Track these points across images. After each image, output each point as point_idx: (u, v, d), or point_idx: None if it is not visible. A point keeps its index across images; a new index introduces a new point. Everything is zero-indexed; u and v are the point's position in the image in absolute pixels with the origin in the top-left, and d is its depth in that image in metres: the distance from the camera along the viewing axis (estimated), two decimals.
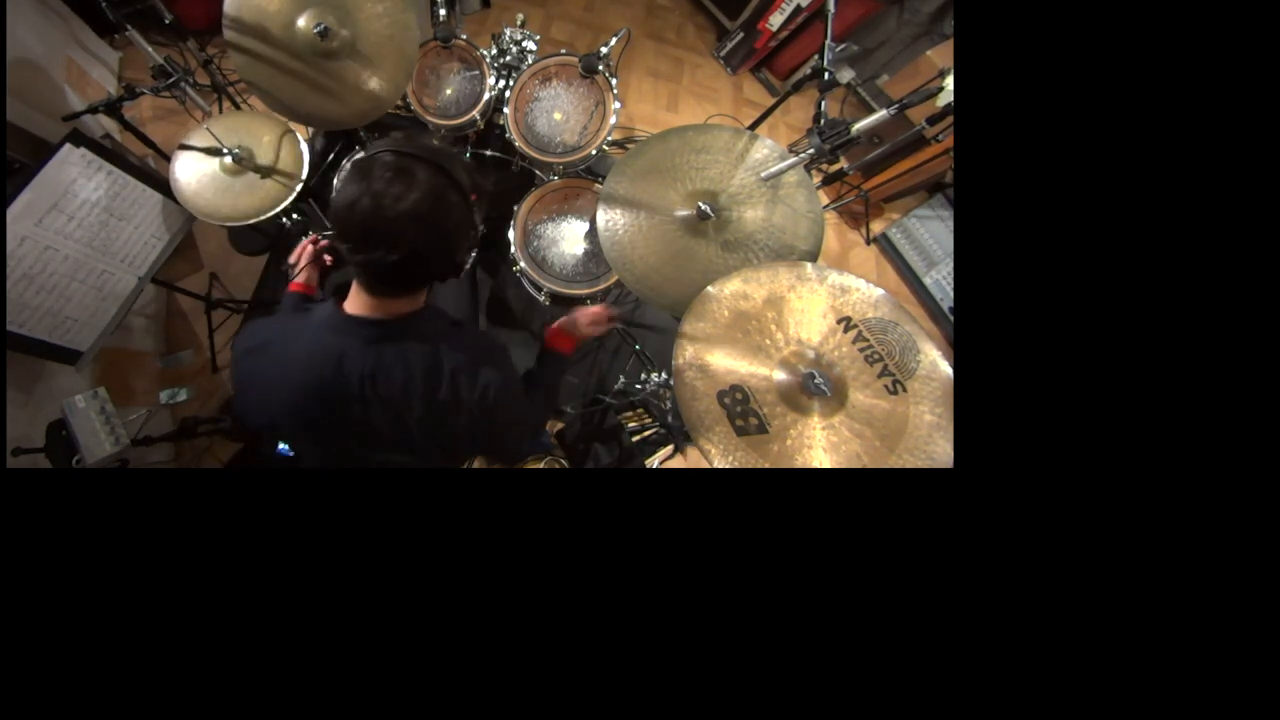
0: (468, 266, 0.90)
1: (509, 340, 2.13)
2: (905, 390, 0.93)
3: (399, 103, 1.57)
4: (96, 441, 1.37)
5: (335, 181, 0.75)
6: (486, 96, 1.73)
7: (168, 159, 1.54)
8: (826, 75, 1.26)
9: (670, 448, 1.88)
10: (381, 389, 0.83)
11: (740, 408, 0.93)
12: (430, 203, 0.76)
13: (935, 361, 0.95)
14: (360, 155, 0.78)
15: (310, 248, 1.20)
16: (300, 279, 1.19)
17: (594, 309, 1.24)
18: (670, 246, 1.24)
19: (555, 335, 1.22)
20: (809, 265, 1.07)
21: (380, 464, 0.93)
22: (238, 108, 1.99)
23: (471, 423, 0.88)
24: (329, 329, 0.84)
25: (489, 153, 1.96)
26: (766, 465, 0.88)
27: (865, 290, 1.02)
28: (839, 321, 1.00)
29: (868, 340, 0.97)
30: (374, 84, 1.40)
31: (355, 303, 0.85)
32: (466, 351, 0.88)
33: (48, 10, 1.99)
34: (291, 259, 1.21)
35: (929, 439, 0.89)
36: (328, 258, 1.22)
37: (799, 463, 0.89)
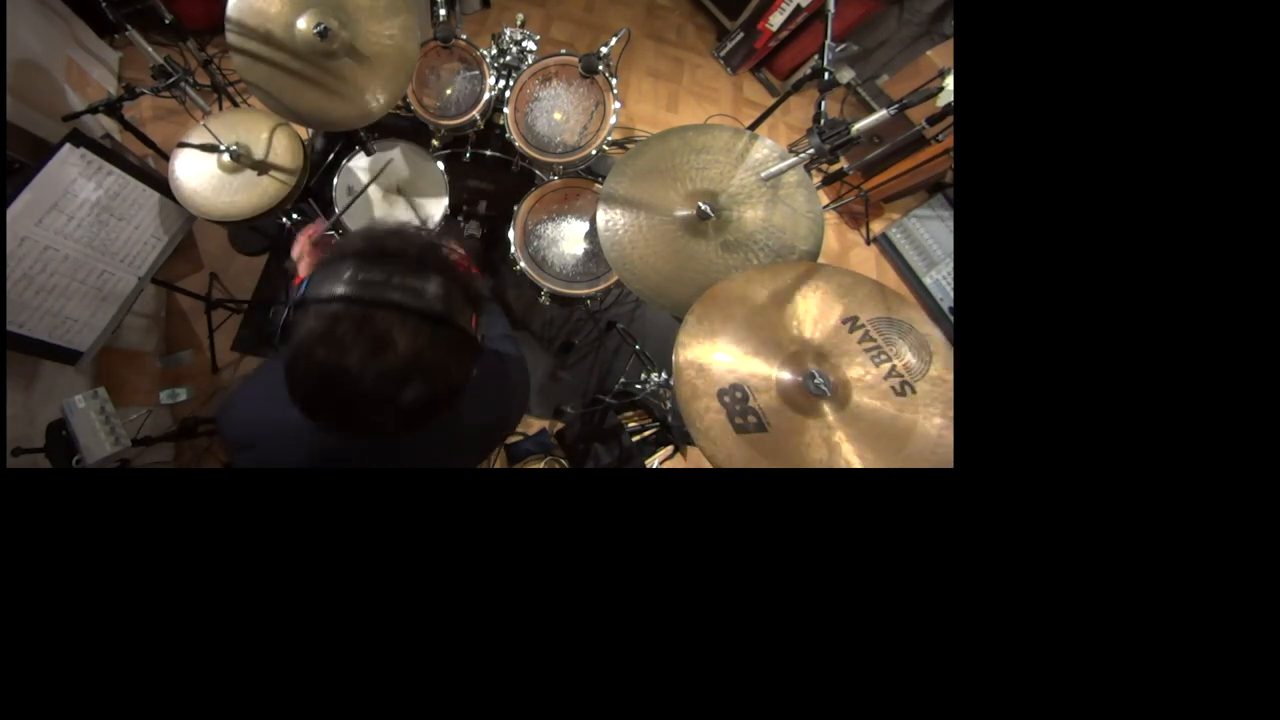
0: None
1: None
2: (914, 391, 0.92)
3: (399, 103, 1.57)
4: (96, 441, 1.37)
5: (292, 321, 0.62)
6: (486, 96, 1.73)
7: (167, 159, 1.54)
8: (826, 75, 1.26)
9: (670, 448, 1.88)
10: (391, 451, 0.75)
11: (740, 406, 0.93)
12: (426, 386, 0.59)
13: (947, 363, 0.94)
14: (318, 296, 0.59)
15: (308, 238, 1.18)
16: (304, 272, 1.17)
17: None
18: (670, 246, 1.24)
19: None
20: (812, 264, 1.07)
21: None
22: (237, 107, 1.99)
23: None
24: (319, 446, 0.72)
25: (489, 153, 1.96)
26: (765, 464, 0.88)
27: (872, 289, 1.02)
28: (844, 320, 1.00)
29: (875, 340, 0.97)
30: (374, 86, 1.40)
31: None
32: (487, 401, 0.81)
33: (48, 10, 1.99)
34: (294, 253, 1.19)
35: (938, 440, 0.88)
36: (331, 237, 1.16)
37: (798, 462, 0.89)
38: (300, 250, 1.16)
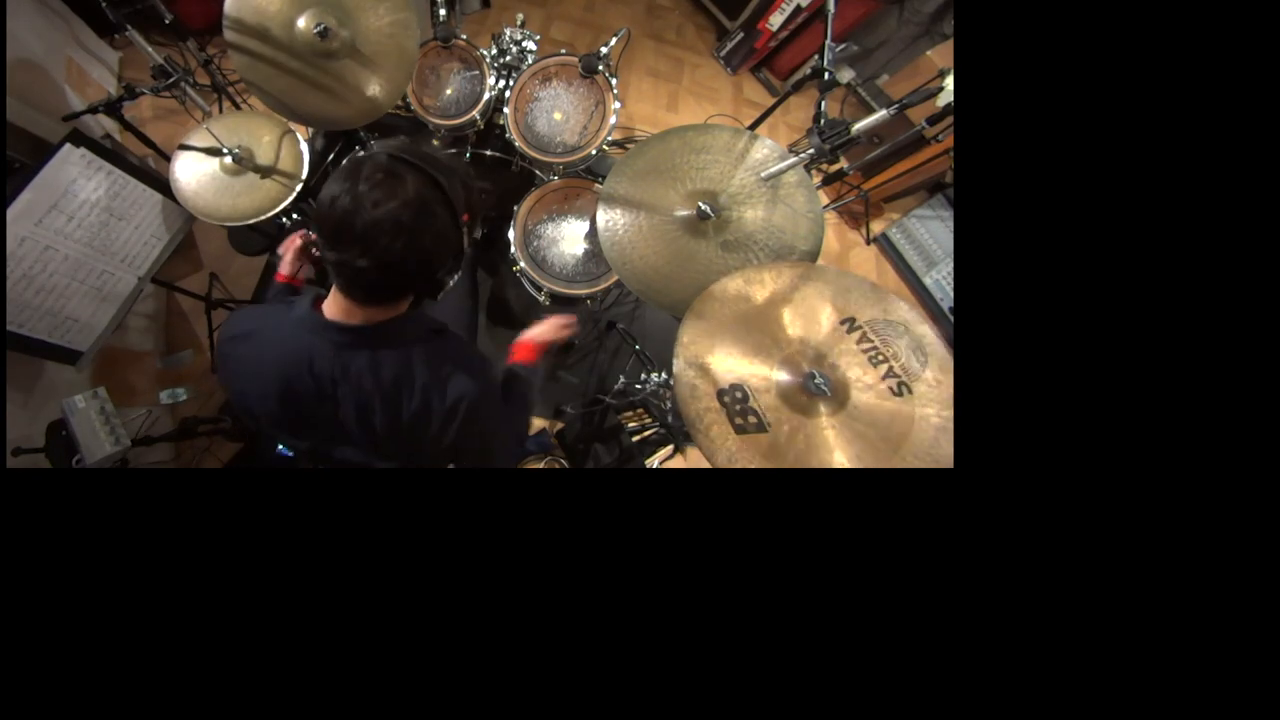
0: (449, 287, 0.87)
1: (508, 340, 2.13)
2: (911, 392, 0.93)
3: (399, 103, 1.58)
4: (96, 441, 1.37)
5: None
6: (486, 96, 1.73)
7: (168, 159, 1.54)
8: (826, 75, 1.26)
9: (670, 448, 1.88)
10: (348, 394, 0.83)
11: (740, 406, 0.93)
12: (411, 213, 0.72)
13: (944, 364, 0.94)
14: (359, 153, 0.77)
15: (299, 241, 1.19)
16: (286, 270, 1.17)
17: (553, 320, 1.25)
18: (670, 246, 1.24)
19: (518, 348, 1.24)
20: (811, 265, 1.07)
21: (346, 462, 0.92)
22: (238, 108, 1.99)
23: (442, 433, 0.87)
24: (304, 327, 0.83)
25: (489, 153, 1.96)
26: (765, 463, 0.88)
27: (869, 290, 1.02)
28: (842, 322, 1.00)
29: (872, 341, 0.97)
30: (374, 86, 1.40)
31: (332, 305, 0.83)
32: (442, 363, 0.86)
33: (48, 10, 1.99)
34: (280, 249, 1.20)
35: (935, 441, 0.89)
36: (315, 251, 1.19)
37: (798, 462, 0.89)
38: (287, 248, 1.16)
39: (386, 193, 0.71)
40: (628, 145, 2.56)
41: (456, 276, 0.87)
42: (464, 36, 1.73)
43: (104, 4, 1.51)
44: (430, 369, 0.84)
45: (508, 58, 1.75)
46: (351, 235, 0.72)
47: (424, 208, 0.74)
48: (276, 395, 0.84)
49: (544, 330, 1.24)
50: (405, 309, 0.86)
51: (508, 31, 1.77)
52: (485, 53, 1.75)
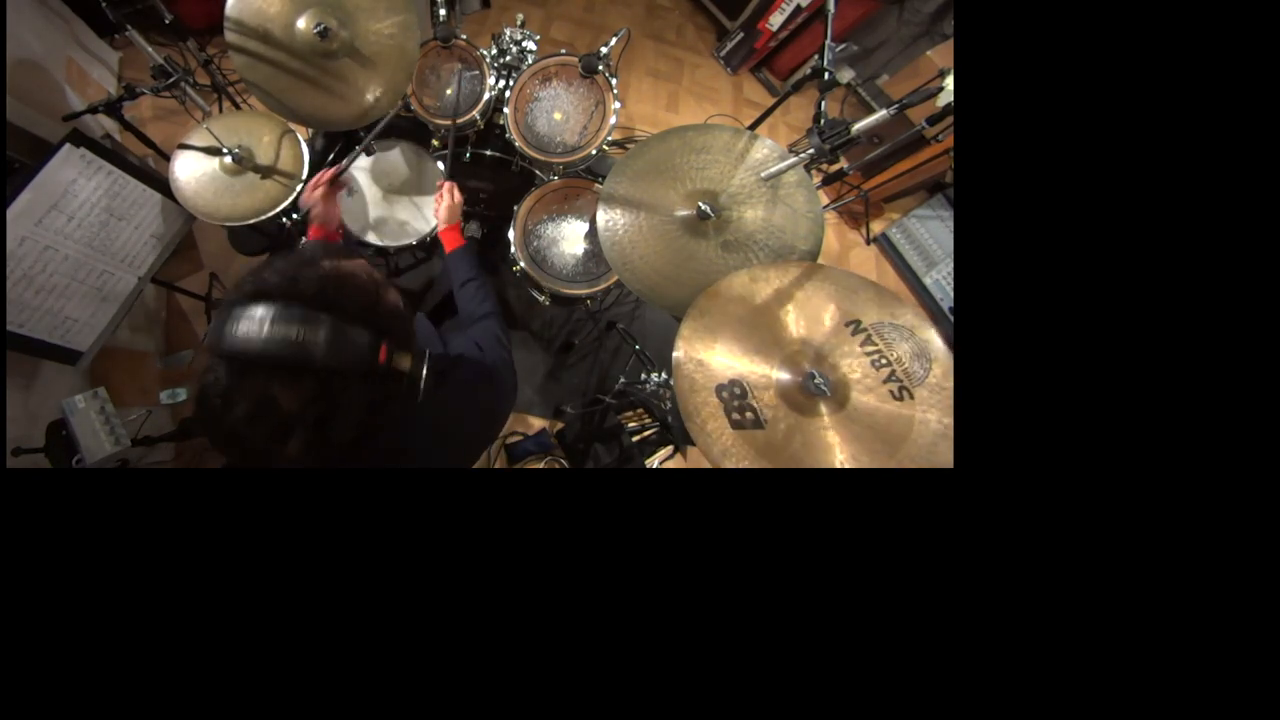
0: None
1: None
2: (912, 397, 0.93)
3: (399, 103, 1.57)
4: (96, 441, 1.37)
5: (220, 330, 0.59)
6: (486, 96, 1.73)
7: (168, 159, 1.54)
8: (826, 75, 1.26)
9: (670, 448, 1.88)
10: None
11: (738, 402, 0.93)
12: (316, 433, 0.58)
13: (948, 371, 0.94)
14: (219, 349, 0.58)
15: (322, 186, 1.20)
16: (316, 221, 1.19)
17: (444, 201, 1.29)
18: (670, 246, 1.24)
19: (444, 238, 1.27)
20: (816, 265, 1.07)
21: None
22: (238, 108, 1.99)
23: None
24: None
25: (489, 153, 1.96)
26: (761, 461, 0.88)
27: (877, 293, 1.02)
28: (847, 324, 1.00)
29: (876, 345, 0.97)
30: (374, 87, 1.40)
31: None
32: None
33: (48, 10, 1.99)
34: (303, 201, 1.20)
35: (933, 447, 0.89)
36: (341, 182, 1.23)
37: (795, 461, 0.89)
38: (311, 198, 1.19)
39: (271, 435, 0.57)
40: (628, 145, 2.56)
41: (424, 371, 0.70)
42: (464, 36, 1.73)
43: (104, 4, 1.51)
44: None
45: (508, 58, 1.75)
46: (257, 457, 0.60)
47: (326, 416, 0.59)
48: None
49: (446, 211, 1.28)
50: None
51: (508, 31, 1.77)
52: (485, 53, 1.75)
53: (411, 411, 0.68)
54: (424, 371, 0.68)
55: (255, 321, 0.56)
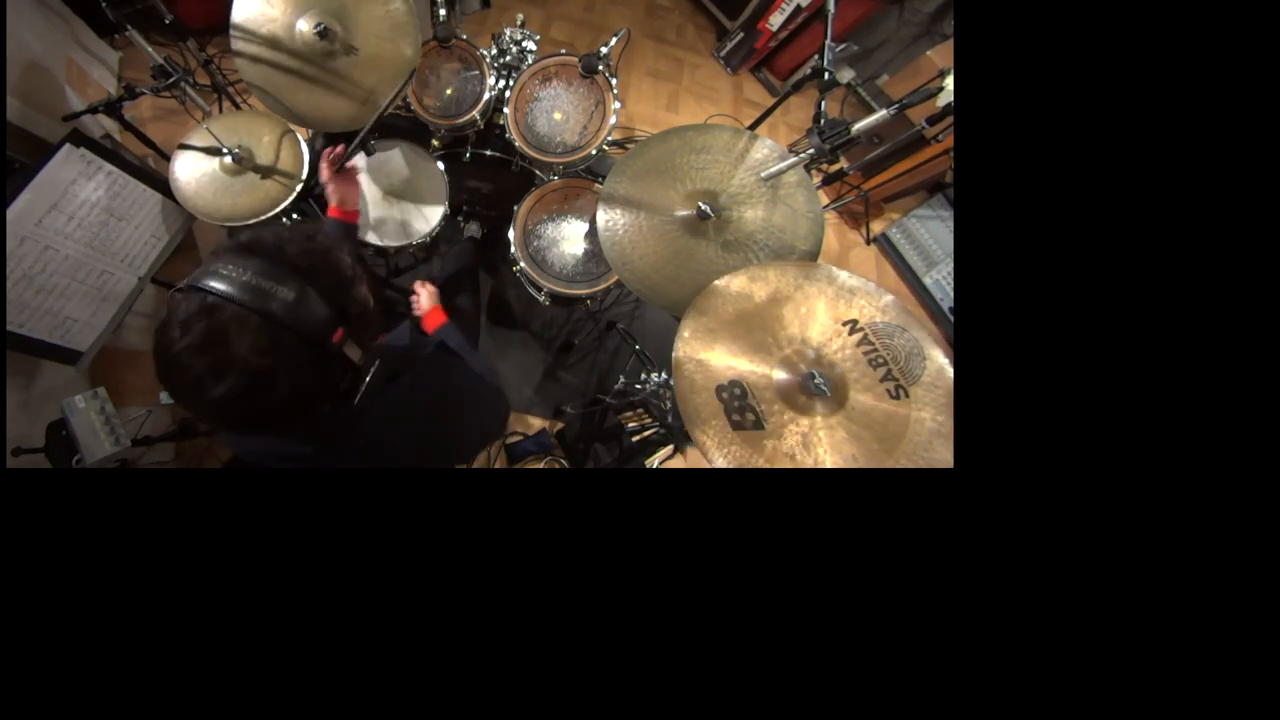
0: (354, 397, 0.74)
1: (508, 340, 2.14)
2: (908, 396, 0.93)
3: (399, 103, 1.57)
4: (96, 441, 1.37)
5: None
6: (486, 96, 1.73)
7: (168, 159, 1.54)
8: (826, 75, 1.26)
9: (670, 448, 1.88)
10: None
11: (738, 403, 0.93)
12: (248, 386, 0.59)
13: (942, 369, 0.95)
14: (184, 284, 0.62)
15: (327, 167, 1.23)
16: (334, 200, 1.23)
17: (425, 290, 1.37)
18: (670, 246, 1.24)
19: (427, 320, 1.31)
20: (815, 265, 1.07)
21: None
22: (238, 107, 1.99)
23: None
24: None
25: (489, 153, 1.96)
26: (761, 461, 0.89)
27: (874, 293, 1.02)
28: (844, 324, 1.00)
29: (873, 344, 0.97)
30: (374, 87, 1.40)
31: None
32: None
33: (48, 10, 1.99)
34: (322, 176, 1.25)
35: (929, 445, 0.89)
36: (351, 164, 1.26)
37: (794, 461, 0.89)
38: (325, 175, 1.24)
39: (210, 365, 0.58)
40: (628, 145, 2.56)
41: (365, 383, 0.73)
42: (464, 36, 1.73)
43: (104, 4, 1.51)
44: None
45: (508, 58, 1.75)
46: (198, 410, 0.63)
47: (263, 373, 0.59)
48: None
49: (427, 300, 1.34)
50: None
51: (508, 31, 1.77)
52: (485, 53, 1.75)
53: (349, 410, 0.72)
54: (372, 370, 0.72)
55: (236, 267, 0.60)
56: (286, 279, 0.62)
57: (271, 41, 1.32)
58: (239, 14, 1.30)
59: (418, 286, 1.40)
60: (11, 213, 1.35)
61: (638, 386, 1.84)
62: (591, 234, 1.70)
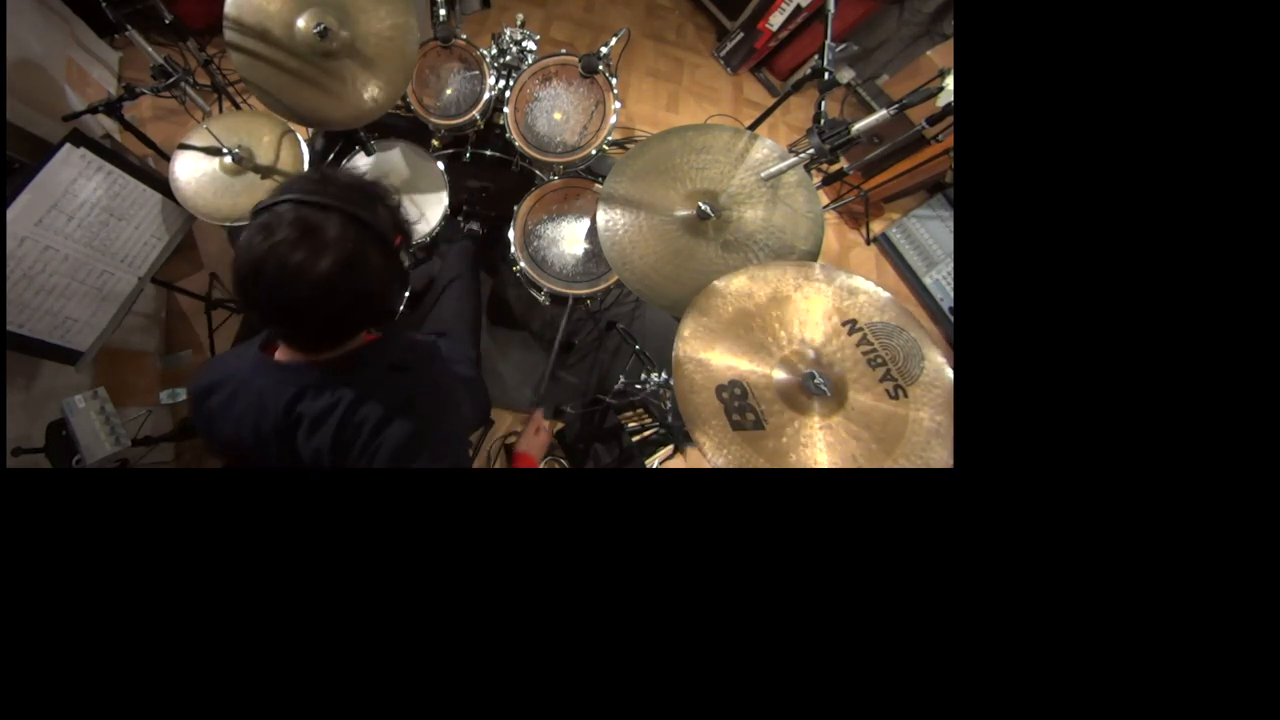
0: (401, 308, 0.82)
1: (508, 340, 2.14)
2: (906, 396, 0.93)
3: (399, 102, 1.57)
4: (96, 441, 1.37)
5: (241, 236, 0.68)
6: (486, 96, 1.73)
7: (168, 159, 1.54)
8: (826, 75, 1.26)
9: (670, 448, 1.88)
10: (304, 440, 0.79)
11: (738, 403, 0.93)
12: (343, 266, 0.67)
13: (940, 368, 0.95)
14: (263, 204, 0.70)
15: (540, 434, 1.29)
16: (525, 450, 1.28)
17: (530, 426, 1.32)
18: (670, 246, 1.24)
19: (519, 460, 1.29)
20: (815, 265, 1.07)
21: None
22: (238, 108, 1.99)
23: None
24: (259, 373, 0.80)
25: (489, 153, 1.96)
26: (762, 461, 0.89)
27: (873, 293, 1.02)
28: (844, 324, 1.00)
29: (872, 344, 0.97)
30: (373, 87, 1.40)
31: (282, 348, 0.81)
32: (387, 404, 0.79)
33: (48, 10, 1.99)
34: (524, 444, 1.29)
35: (927, 444, 0.89)
36: None
37: (794, 461, 0.89)
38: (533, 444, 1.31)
39: (309, 252, 0.65)
40: (628, 145, 2.56)
41: (406, 295, 0.83)
42: (464, 36, 1.73)
43: (104, 4, 1.51)
44: (375, 410, 0.78)
45: (508, 58, 1.75)
46: (287, 306, 0.68)
47: (354, 255, 0.68)
48: (251, 445, 0.82)
49: (535, 447, 1.31)
50: (360, 342, 0.82)
51: (508, 31, 1.77)
52: (485, 53, 1.75)
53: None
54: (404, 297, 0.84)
55: (304, 185, 0.70)
56: (359, 193, 0.73)
57: (268, 37, 1.32)
58: (233, 7, 1.29)
59: (538, 420, 1.33)
60: (11, 213, 1.35)
61: (638, 386, 1.84)
62: (591, 234, 1.70)
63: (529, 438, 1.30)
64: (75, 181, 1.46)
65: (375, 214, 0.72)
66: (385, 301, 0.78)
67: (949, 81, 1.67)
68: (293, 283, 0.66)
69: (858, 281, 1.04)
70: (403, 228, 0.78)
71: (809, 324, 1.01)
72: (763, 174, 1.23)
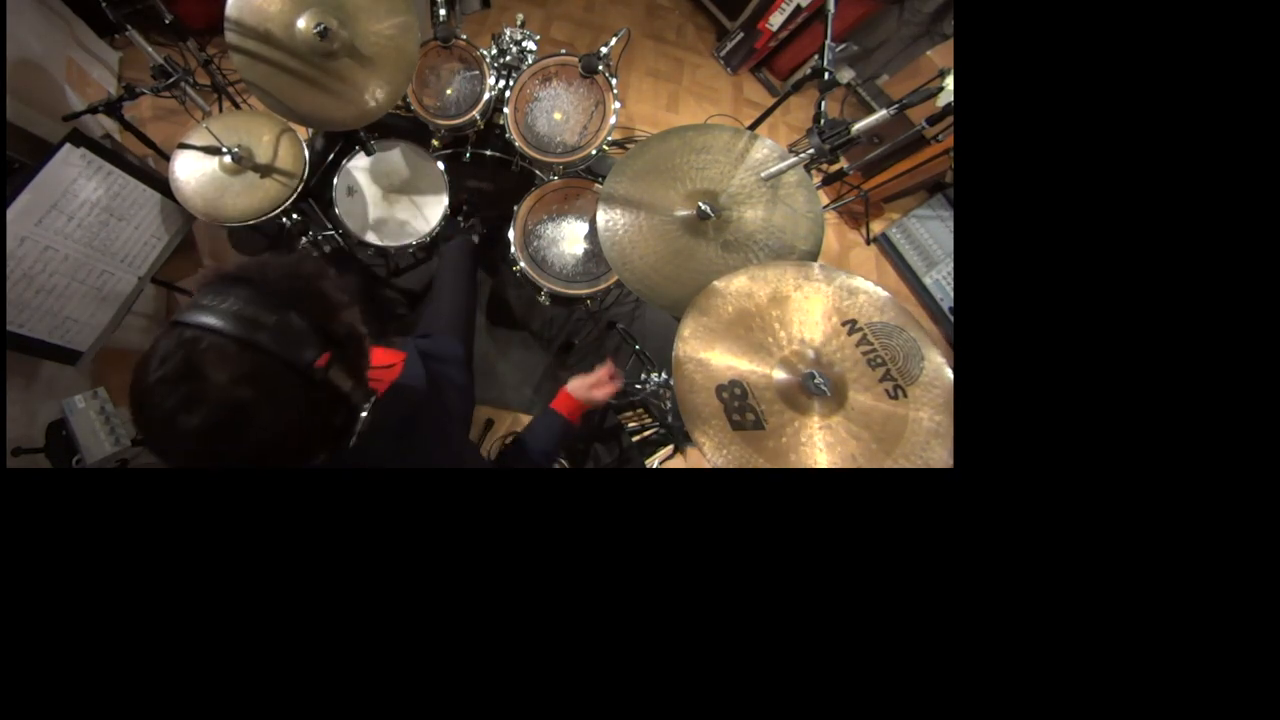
0: (359, 427, 0.70)
1: (508, 340, 2.14)
2: (906, 396, 0.93)
3: (399, 103, 1.57)
4: (96, 441, 1.38)
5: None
6: (486, 96, 1.73)
7: (168, 159, 1.54)
8: (826, 75, 1.26)
9: (670, 448, 1.88)
10: None
11: (738, 403, 0.93)
12: (221, 425, 0.55)
13: (939, 368, 0.95)
14: (181, 310, 0.60)
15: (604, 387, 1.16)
16: (582, 398, 1.16)
17: (599, 374, 1.18)
18: (670, 246, 1.24)
19: (564, 400, 1.15)
20: (815, 265, 1.07)
21: None
22: (238, 107, 1.99)
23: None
24: None
25: (489, 153, 1.96)
26: (762, 461, 0.89)
27: (872, 293, 1.02)
28: (844, 324, 1.00)
29: (872, 344, 0.97)
30: (374, 87, 1.40)
31: None
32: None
33: (48, 10, 1.99)
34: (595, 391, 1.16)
35: (926, 444, 0.89)
36: None
37: (794, 461, 0.89)
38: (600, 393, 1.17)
39: (182, 401, 0.54)
40: (628, 145, 2.56)
41: (365, 410, 0.69)
42: (464, 36, 1.73)
43: (104, 4, 1.51)
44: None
45: (508, 58, 1.75)
46: (172, 454, 0.59)
47: (240, 405, 0.56)
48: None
49: (598, 394, 1.16)
50: None
51: (508, 31, 1.77)
52: (485, 53, 1.75)
53: (344, 448, 0.68)
54: (365, 410, 0.68)
55: (216, 297, 0.59)
56: (268, 306, 0.60)
57: (268, 38, 1.32)
58: (233, 7, 1.29)
59: (609, 370, 1.20)
60: (11, 213, 1.35)
61: (638, 386, 1.84)
62: (591, 234, 1.70)
63: (585, 383, 1.16)
64: (75, 181, 1.46)
65: (289, 334, 0.60)
66: (299, 447, 0.63)
67: (949, 81, 1.67)
68: (166, 434, 0.56)
69: (858, 281, 1.04)
70: (336, 338, 0.64)
71: (809, 324, 1.01)
72: (763, 174, 1.23)
